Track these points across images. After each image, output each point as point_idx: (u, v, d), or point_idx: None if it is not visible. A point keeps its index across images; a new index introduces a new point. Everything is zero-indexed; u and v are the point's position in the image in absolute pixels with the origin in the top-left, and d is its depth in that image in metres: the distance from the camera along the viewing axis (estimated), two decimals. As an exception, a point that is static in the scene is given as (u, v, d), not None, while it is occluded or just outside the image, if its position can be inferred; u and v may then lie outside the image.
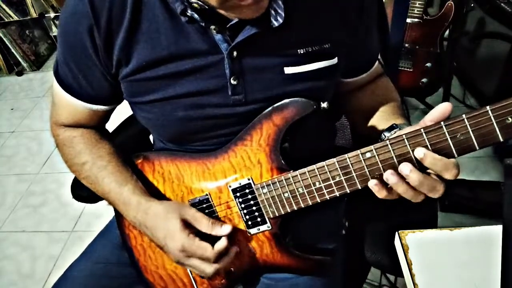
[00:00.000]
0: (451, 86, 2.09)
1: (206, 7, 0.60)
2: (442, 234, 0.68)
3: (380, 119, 0.76)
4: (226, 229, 0.70)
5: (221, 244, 0.69)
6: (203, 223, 0.70)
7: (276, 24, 0.63)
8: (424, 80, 1.96)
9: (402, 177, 0.56)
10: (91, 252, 0.89)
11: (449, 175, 0.55)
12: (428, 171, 0.57)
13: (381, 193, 0.59)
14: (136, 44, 0.66)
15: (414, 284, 0.62)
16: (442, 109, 0.55)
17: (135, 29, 0.65)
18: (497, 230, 0.64)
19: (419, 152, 0.55)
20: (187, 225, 0.70)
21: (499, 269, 0.52)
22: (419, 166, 0.56)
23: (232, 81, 0.68)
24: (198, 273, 0.72)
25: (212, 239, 0.70)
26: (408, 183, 0.56)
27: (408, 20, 1.86)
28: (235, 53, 0.66)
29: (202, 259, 0.69)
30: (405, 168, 0.56)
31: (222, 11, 0.61)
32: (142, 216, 0.73)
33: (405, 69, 1.97)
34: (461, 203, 1.63)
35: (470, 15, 2.12)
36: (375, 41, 0.80)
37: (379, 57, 0.84)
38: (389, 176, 0.56)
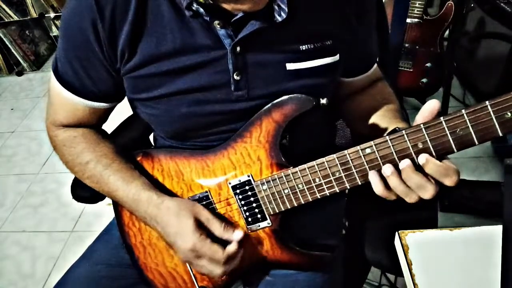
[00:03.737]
0: (451, 86, 2.09)
1: (211, 1, 0.60)
2: (442, 234, 0.68)
3: (381, 123, 0.76)
4: (238, 235, 0.70)
5: (232, 248, 0.69)
6: (216, 227, 0.70)
7: (279, 19, 0.63)
8: (424, 80, 1.96)
9: (397, 170, 0.58)
10: (92, 254, 0.88)
11: (449, 182, 0.56)
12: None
13: (378, 187, 0.60)
14: (140, 38, 0.66)
15: (414, 284, 0.61)
16: (430, 108, 0.56)
17: (140, 23, 0.65)
18: (497, 230, 0.64)
19: (422, 158, 0.56)
20: (200, 225, 0.70)
21: (499, 269, 0.52)
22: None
23: (235, 77, 0.68)
24: (206, 273, 0.72)
25: (221, 240, 0.70)
26: (401, 177, 0.58)
27: (408, 20, 1.86)
28: (238, 49, 0.66)
29: (212, 260, 0.69)
30: (403, 163, 0.57)
31: (225, 5, 0.61)
32: (153, 211, 0.72)
33: (405, 69, 1.97)
34: (461, 203, 1.63)
35: (470, 15, 2.12)
36: (374, 43, 0.80)
37: (377, 62, 0.84)
38: (386, 168, 0.58)
